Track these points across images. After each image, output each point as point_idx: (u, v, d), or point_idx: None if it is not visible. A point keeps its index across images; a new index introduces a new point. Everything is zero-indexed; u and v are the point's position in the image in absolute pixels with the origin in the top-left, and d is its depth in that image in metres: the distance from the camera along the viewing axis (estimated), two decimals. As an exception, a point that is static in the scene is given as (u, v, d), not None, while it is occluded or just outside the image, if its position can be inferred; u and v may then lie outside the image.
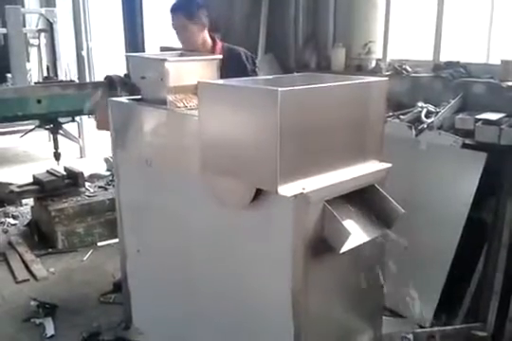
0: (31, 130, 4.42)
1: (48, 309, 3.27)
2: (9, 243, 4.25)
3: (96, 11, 8.36)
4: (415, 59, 3.96)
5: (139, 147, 2.59)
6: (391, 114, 3.46)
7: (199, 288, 2.41)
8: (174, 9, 3.08)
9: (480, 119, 3.04)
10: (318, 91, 1.91)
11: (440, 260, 3.03)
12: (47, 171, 4.66)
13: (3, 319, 3.20)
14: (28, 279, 3.68)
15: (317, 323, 2.04)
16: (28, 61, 7.64)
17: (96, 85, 3.69)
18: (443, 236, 3.03)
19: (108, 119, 2.71)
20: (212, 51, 3.14)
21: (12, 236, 4.41)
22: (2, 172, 5.96)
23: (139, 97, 2.63)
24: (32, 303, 3.33)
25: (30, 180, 4.60)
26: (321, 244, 1.93)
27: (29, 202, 4.84)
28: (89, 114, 4.05)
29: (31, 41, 7.90)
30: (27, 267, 3.84)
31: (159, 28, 5.45)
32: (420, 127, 3.22)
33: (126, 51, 4.62)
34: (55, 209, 4.19)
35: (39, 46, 7.77)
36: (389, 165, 2.19)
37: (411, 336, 2.80)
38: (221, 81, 2.20)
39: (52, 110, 3.76)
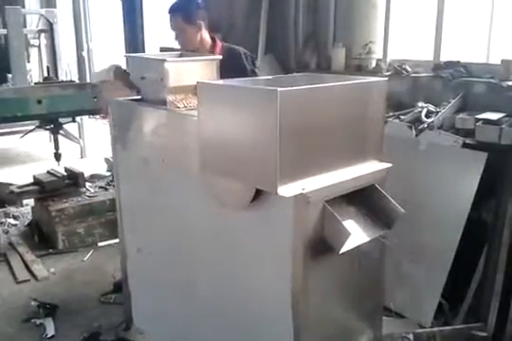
0: (31, 130, 4.43)
1: (49, 309, 3.27)
2: (10, 244, 4.25)
3: (96, 12, 8.38)
4: (415, 59, 3.96)
5: (139, 147, 2.59)
6: (391, 114, 3.46)
7: (199, 288, 2.41)
8: (173, 11, 3.07)
9: (480, 119, 3.04)
10: (317, 91, 1.91)
11: (440, 260, 3.02)
12: (48, 172, 4.66)
13: (3, 319, 3.20)
14: (29, 280, 3.69)
15: (316, 323, 2.04)
16: (29, 61, 7.65)
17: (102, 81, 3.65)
18: (443, 236, 3.03)
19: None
20: (212, 51, 3.13)
21: (13, 236, 4.41)
22: (2, 173, 5.96)
23: (139, 97, 2.64)
24: (33, 303, 3.34)
25: (31, 180, 4.60)
26: (321, 245, 1.93)
27: (30, 202, 4.84)
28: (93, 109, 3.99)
29: (32, 41, 7.92)
30: (27, 267, 3.84)
31: (159, 29, 5.45)
32: (420, 127, 3.22)
33: (126, 52, 4.61)
34: (55, 210, 4.20)
35: (39, 47, 7.78)
36: (389, 165, 2.19)
37: (411, 336, 2.80)
38: (220, 82, 2.20)
39: (52, 110, 3.77)
